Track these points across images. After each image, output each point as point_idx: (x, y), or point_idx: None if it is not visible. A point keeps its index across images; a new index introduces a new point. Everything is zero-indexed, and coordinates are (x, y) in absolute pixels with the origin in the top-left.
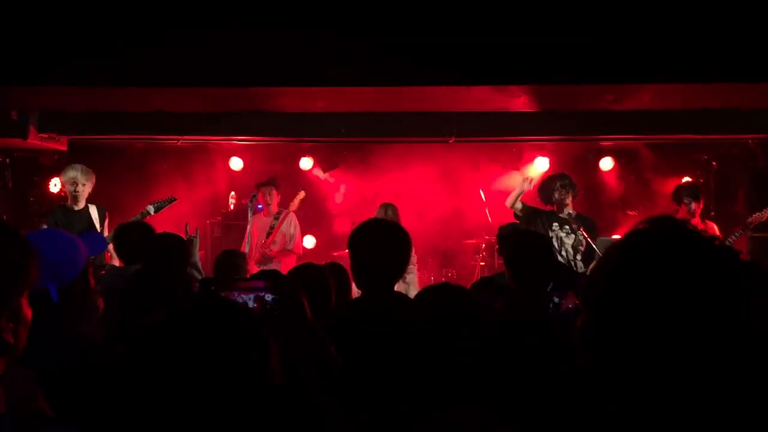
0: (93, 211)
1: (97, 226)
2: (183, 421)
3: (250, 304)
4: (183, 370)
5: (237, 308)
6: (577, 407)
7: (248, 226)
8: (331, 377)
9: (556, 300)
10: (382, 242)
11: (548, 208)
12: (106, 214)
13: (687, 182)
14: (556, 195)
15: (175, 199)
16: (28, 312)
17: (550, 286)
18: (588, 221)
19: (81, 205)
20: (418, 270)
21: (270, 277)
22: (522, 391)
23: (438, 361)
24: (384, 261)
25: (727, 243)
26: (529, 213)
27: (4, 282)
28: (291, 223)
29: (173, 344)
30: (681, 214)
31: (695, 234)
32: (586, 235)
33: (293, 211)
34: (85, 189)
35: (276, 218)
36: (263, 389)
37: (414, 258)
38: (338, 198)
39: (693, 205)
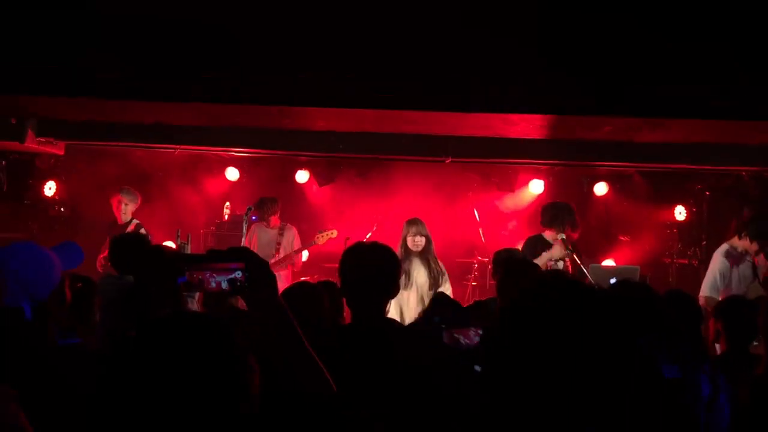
0: (133, 227)
1: None
2: None
3: (224, 285)
4: (152, 388)
5: (210, 325)
6: None
7: (245, 238)
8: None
9: (460, 338)
10: (366, 266)
11: (542, 230)
12: (142, 230)
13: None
14: (560, 227)
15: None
16: None
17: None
18: (575, 246)
19: (124, 220)
20: None
21: (242, 256)
22: None
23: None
24: (368, 283)
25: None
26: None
27: None
28: (293, 241)
29: (142, 361)
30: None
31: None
32: (578, 260)
33: (319, 243)
34: (128, 208)
35: (281, 234)
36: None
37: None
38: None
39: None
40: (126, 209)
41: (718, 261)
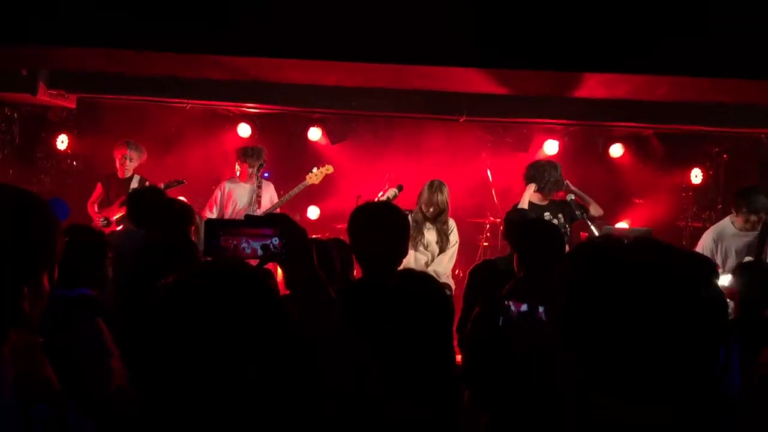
0: (135, 181)
1: None
2: (196, 389)
3: (259, 252)
4: (193, 337)
5: (249, 273)
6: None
7: (219, 192)
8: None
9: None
10: (375, 227)
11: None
12: (147, 183)
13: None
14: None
15: (183, 182)
16: (47, 285)
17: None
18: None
19: (126, 175)
20: None
21: (278, 222)
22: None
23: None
24: (379, 244)
25: None
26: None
27: (38, 255)
28: (270, 195)
29: (183, 310)
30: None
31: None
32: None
33: (315, 183)
34: (132, 164)
35: (258, 186)
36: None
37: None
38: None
39: (752, 218)
40: (130, 165)
41: (705, 237)
